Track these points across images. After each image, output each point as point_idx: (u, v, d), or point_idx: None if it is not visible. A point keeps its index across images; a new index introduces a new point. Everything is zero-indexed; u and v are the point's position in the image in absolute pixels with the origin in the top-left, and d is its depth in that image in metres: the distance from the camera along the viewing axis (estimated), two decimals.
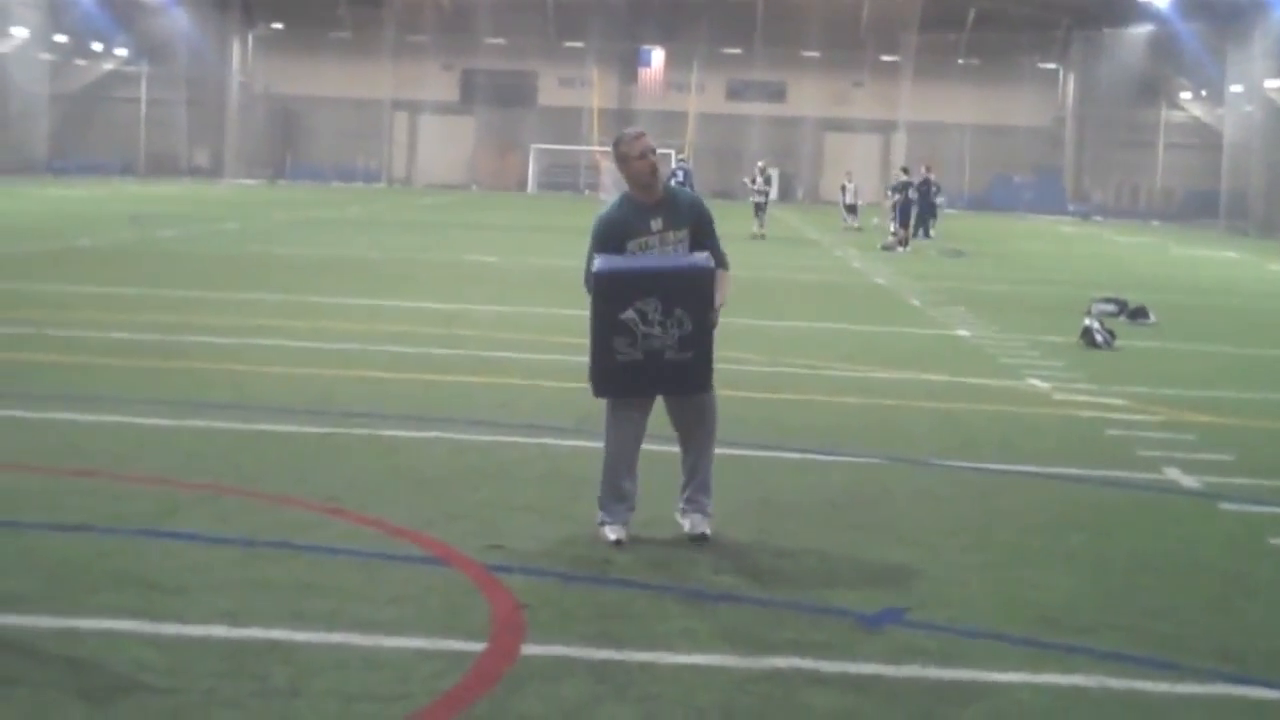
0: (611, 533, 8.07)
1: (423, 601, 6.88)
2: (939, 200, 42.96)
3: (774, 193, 50.21)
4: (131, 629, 6.31)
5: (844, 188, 51.99)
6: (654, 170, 8.12)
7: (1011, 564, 8.11)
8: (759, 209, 43.18)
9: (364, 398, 12.54)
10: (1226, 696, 6.22)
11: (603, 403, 8.31)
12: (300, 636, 6.31)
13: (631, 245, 8.08)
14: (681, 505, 8.28)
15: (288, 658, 6.05)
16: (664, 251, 8.10)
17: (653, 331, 7.90)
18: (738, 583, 7.48)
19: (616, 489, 8.17)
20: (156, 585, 6.93)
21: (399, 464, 9.93)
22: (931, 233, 41.86)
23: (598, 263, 7.93)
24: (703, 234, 8.19)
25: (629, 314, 7.88)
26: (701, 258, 8.08)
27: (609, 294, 7.92)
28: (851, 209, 50.68)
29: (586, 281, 8.08)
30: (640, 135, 8.20)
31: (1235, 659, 6.65)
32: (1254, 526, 9.24)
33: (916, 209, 41.40)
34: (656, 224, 8.09)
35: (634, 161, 8.12)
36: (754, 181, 44.13)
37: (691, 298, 7.94)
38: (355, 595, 6.92)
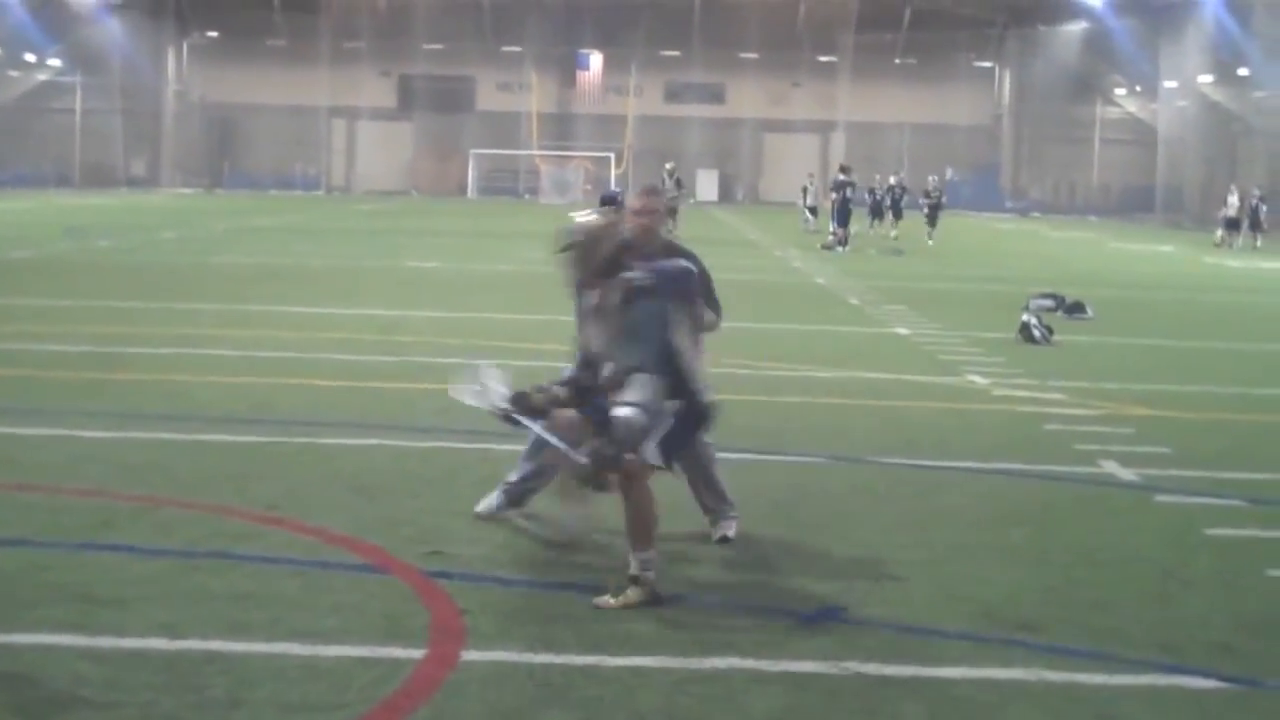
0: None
1: (362, 609, 6.85)
2: (905, 201, 44.95)
3: (690, 196, 49.28)
4: (69, 643, 6.26)
5: (805, 189, 51.54)
6: (645, 229, 8.05)
7: (951, 560, 8.15)
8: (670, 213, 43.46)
9: (303, 406, 12.49)
10: (1165, 687, 6.28)
11: None
12: (239, 647, 6.28)
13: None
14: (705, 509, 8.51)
15: (227, 669, 6.02)
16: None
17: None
18: (676, 584, 7.47)
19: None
20: (94, 598, 6.88)
21: (339, 472, 9.89)
22: (895, 231, 43.55)
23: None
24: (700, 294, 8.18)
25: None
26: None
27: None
28: (813, 210, 50.54)
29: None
30: (649, 193, 8.41)
31: (1173, 650, 6.71)
32: (1190, 518, 9.32)
33: (890, 210, 43.26)
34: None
35: (631, 215, 8.19)
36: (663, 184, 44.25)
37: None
38: (294, 604, 6.89)
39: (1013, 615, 7.14)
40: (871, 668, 6.31)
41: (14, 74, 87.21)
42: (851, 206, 40.42)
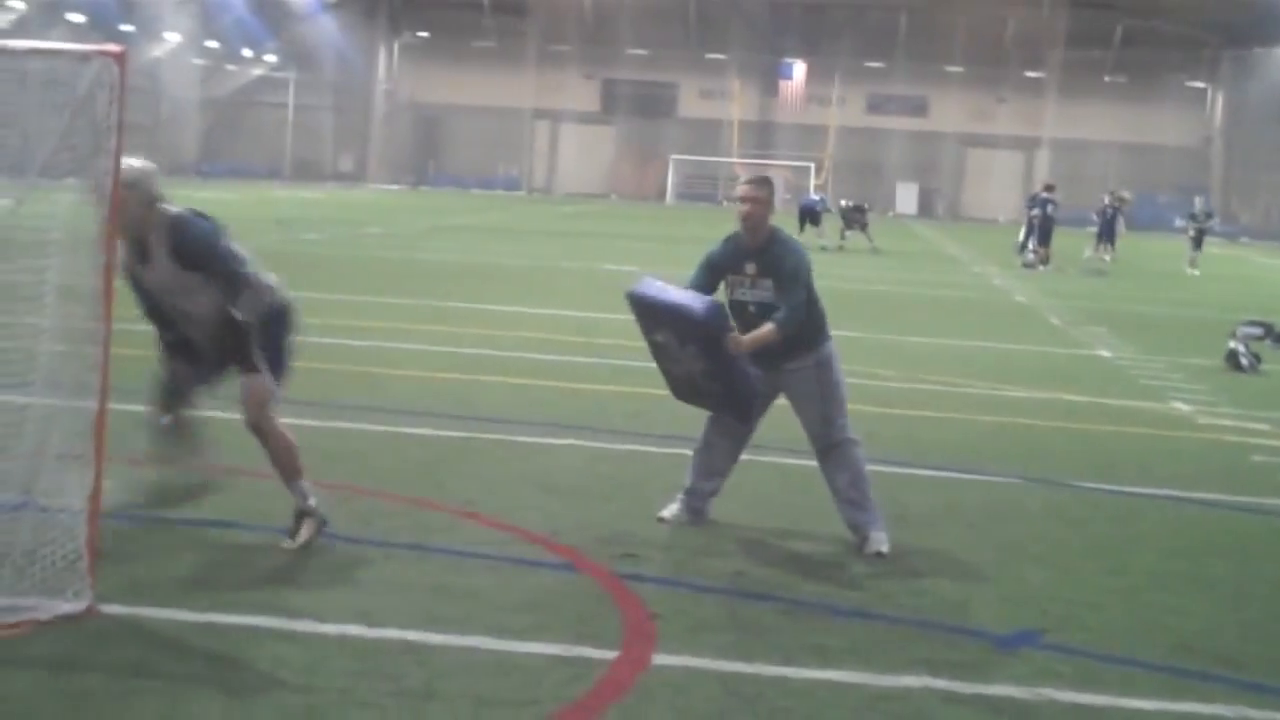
0: (665, 511, 8.63)
1: (555, 608, 6.91)
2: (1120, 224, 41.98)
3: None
4: (271, 625, 6.40)
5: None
6: (748, 216, 8.30)
7: (1150, 589, 7.98)
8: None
9: (499, 403, 12.63)
10: None
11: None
12: (435, 638, 6.36)
13: (727, 282, 8.43)
14: (849, 525, 8.43)
15: (422, 659, 6.11)
16: (755, 295, 8.31)
17: (676, 357, 8.31)
18: (871, 599, 7.43)
19: (696, 485, 8.69)
20: (295, 583, 7.04)
21: (532, 470, 9.99)
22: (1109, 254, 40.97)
23: (632, 286, 8.46)
24: (785, 283, 8.27)
25: (658, 338, 8.35)
26: (707, 304, 8.21)
27: (637, 317, 8.47)
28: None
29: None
30: (752, 182, 8.44)
31: None
32: None
33: (1097, 230, 40.82)
34: (751, 267, 8.33)
35: (740, 204, 8.40)
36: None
37: (697, 338, 8.14)
38: (488, 600, 6.97)
39: (1212, 649, 6.96)
40: (1067, 695, 6.19)
41: (231, 68, 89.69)
42: (1054, 225, 39.59)
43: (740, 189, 8.49)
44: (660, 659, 6.31)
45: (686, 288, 8.39)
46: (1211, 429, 13.69)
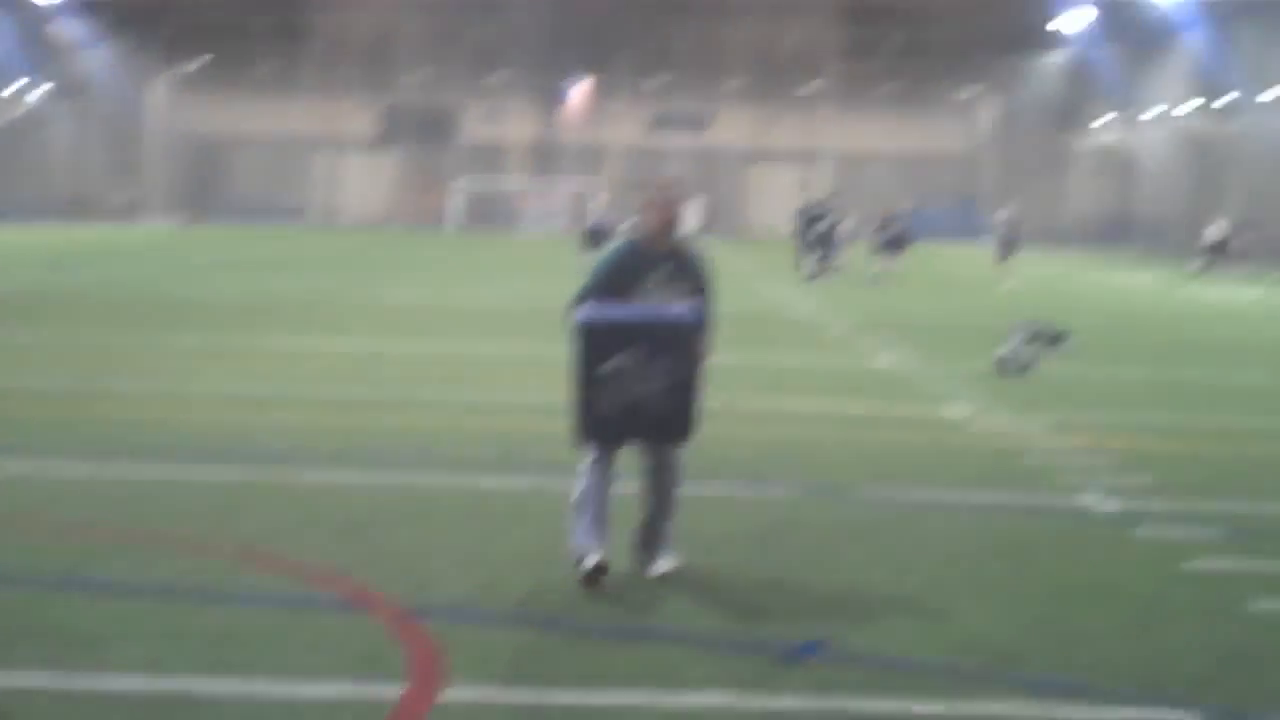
0: (591, 559, 7.97)
1: (341, 647, 6.83)
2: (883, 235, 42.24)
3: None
4: (45, 684, 6.22)
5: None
6: (667, 222, 8.06)
7: (932, 593, 8.15)
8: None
9: (283, 440, 12.44)
10: None
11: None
12: (219, 687, 6.25)
13: (633, 293, 8.05)
14: (640, 547, 8.30)
15: (204, 710, 5.99)
16: (663, 303, 8.06)
17: (636, 380, 7.86)
18: (658, 620, 7.48)
19: (590, 527, 8.10)
20: (72, 636, 6.86)
21: (318, 507, 9.86)
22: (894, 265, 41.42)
23: (581, 313, 7.85)
24: (700, 289, 8.18)
25: (613, 364, 7.84)
26: (685, 309, 8.04)
27: (593, 345, 7.86)
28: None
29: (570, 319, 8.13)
30: (667, 187, 8.20)
31: (1153, 683, 6.71)
32: (1171, 550, 9.33)
33: (879, 242, 41.23)
34: (657, 276, 8.05)
35: (651, 210, 8.11)
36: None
37: (675, 349, 7.92)
38: (273, 642, 6.87)
39: (993, 649, 7.14)
40: (854, 703, 6.30)
41: None
42: (836, 238, 40.33)
43: (657, 194, 8.14)
44: (450, 693, 6.28)
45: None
46: (987, 432, 14.05)
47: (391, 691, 6.25)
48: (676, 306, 8.05)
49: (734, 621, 7.50)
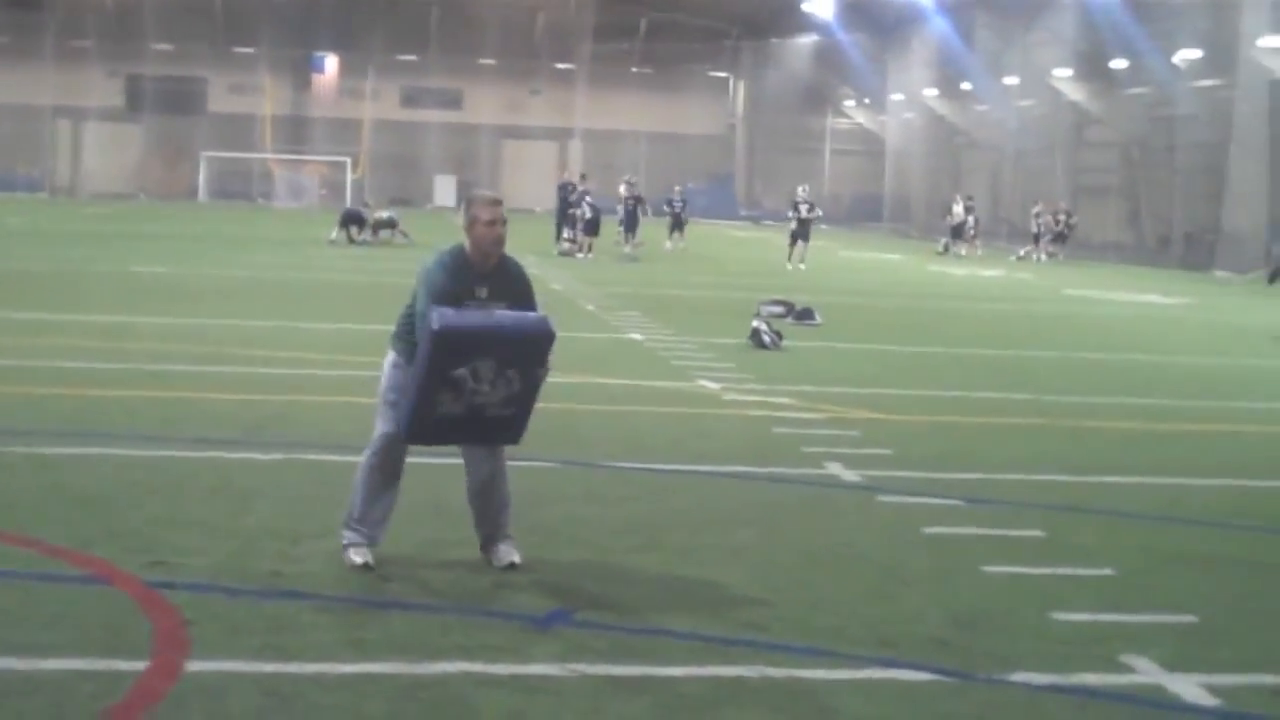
0: (358, 555, 7.84)
1: (82, 622, 6.69)
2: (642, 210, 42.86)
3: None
4: None
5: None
6: (499, 240, 7.83)
7: (681, 562, 8.28)
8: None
9: (22, 415, 12.08)
10: (881, 680, 6.48)
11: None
12: None
13: (461, 305, 7.77)
14: (484, 537, 8.13)
15: None
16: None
17: (481, 389, 7.63)
18: (408, 590, 7.47)
19: (371, 515, 7.96)
20: None
21: (59, 482, 9.61)
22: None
23: (437, 319, 7.51)
24: (525, 303, 8.01)
25: (461, 371, 7.58)
26: (540, 319, 7.89)
27: (446, 350, 7.55)
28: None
29: (404, 334, 7.89)
30: (497, 202, 7.91)
31: (890, 644, 6.92)
32: (910, 517, 9.62)
33: (620, 218, 41.72)
34: (483, 291, 7.82)
35: (481, 226, 7.80)
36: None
37: (526, 359, 7.75)
38: (10, 618, 6.69)
39: (738, 615, 7.29)
40: (600, 668, 6.38)
41: None
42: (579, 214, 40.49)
43: (487, 210, 7.80)
44: (194, 665, 6.19)
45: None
46: (737, 404, 14.29)
47: (134, 666, 6.14)
48: (534, 316, 7.90)
49: (483, 592, 7.53)
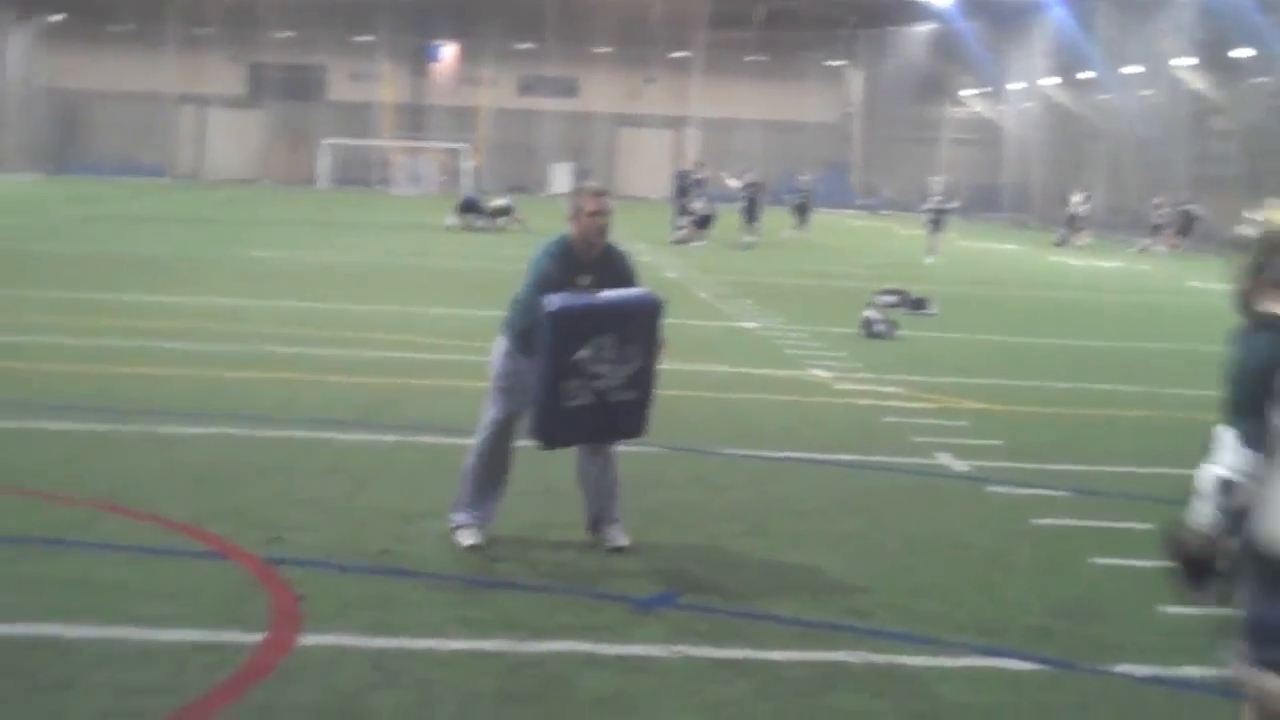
0: (467, 537, 8.01)
1: (200, 595, 6.87)
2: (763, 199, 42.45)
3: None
4: None
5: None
6: (603, 230, 7.96)
7: (786, 548, 8.33)
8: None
9: (143, 395, 12.37)
10: (983, 668, 6.50)
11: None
12: (73, 632, 6.26)
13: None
14: (591, 528, 8.23)
15: (60, 654, 6.01)
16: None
17: (603, 370, 7.72)
18: (518, 571, 7.59)
19: (482, 499, 8.13)
20: None
21: (178, 460, 9.85)
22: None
23: (552, 302, 7.65)
24: (629, 287, 8.10)
25: (584, 353, 7.67)
26: (643, 291, 8.03)
27: (564, 332, 7.66)
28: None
29: (514, 321, 8.02)
30: (601, 193, 8.08)
31: (992, 633, 6.94)
32: (1018, 508, 9.60)
33: (742, 207, 41.43)
34: (586, 279, 7.94)
35: (585, 217, 7.95)
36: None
37: (640, 332, 7.86)
38: (131, 591, 6.89)
39: (841, 601, 7.33)
40: (703, 651, 6.46)
41: None
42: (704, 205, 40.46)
43: (592, 201, 7.95)
44: (307, 639, 6.35)
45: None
46: (847, 393, 14.29)
47: (249, 638, 6.30)
48: (637, 289, 8.04)
49: (591, 573, 7.63)
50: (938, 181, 41.86)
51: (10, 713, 5.38)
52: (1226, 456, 4.34)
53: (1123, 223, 64.26)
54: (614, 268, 8.10)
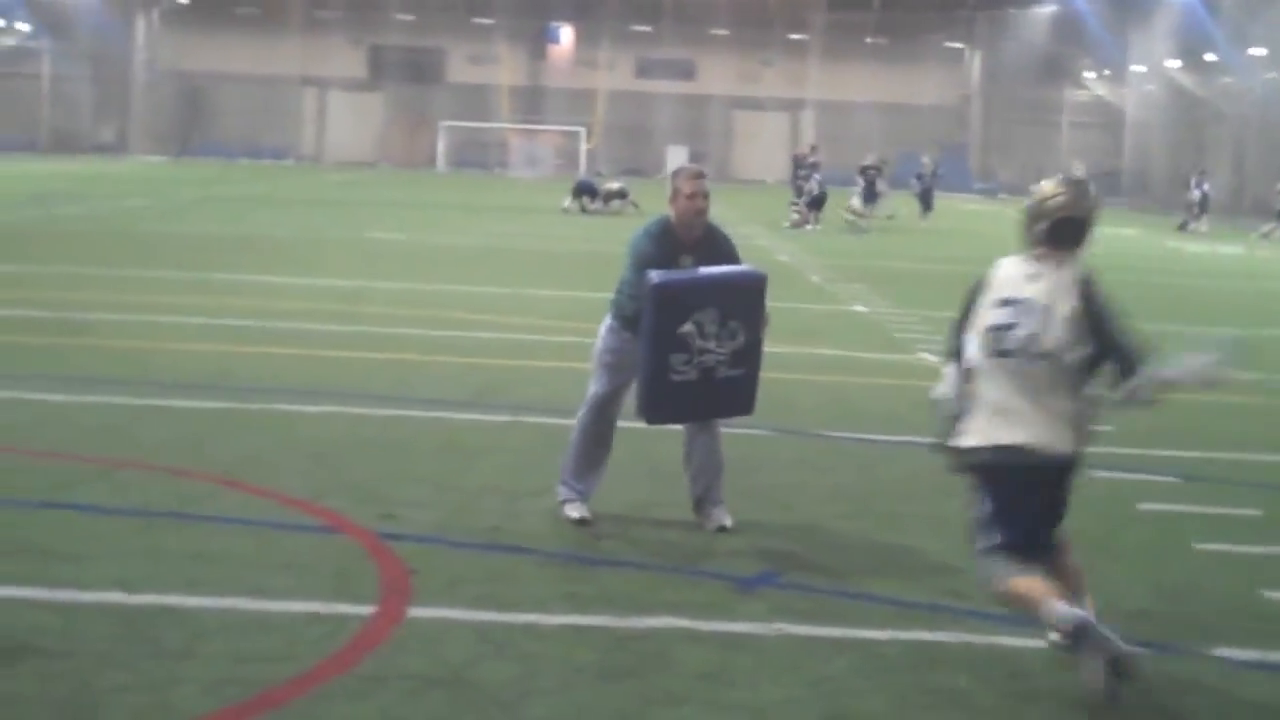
0: (574, 510, 8.20)
1: (314, 568, 7.09)
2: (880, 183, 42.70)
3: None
4: (28, 595, 6.48)
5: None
6: (700, 212, 8.07)
7: (887, 530, 8.42)
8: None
9: (262, 373, 12.68)
10: None
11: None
12: (192, 602, 6.50)
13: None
14: (696, 500, 8.36)
15: (181, 621, 6.25)
16: None
17: (709, 345, 7.78)
18: (621, 548, 7.75)
19: (584, 472, 8.32)
20: (53, 554, 7.10)
21: (296, 438, 10.11)
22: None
23: (655, 276, 7.75)
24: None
25: (688, 327, 7.73)
26: (747, 267, 8.17)
27: (667, 306, 7.72)
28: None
29: (623, 304, 8.16)
30: (699, 175, 8.19)
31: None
32: (1124, 493, 9.61)
33: (860, 190, 41.52)
34: (687, 261, 8.05)
35: (683, 199, 8.07)
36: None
37: (744, 307, 7.94)
38: (248, 562, 7.12)
39: (940, 582, 7.41)
40: (802, 629, 6.57)
41: None
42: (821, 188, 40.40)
43: (689, 184, 8.05)
44: (416, 611, 6.54)
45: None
46: None
47: (361, 610, 6.50)
48: (740, 266, 8.17)
49: (693, 551, 7.77)
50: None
51: (134, 678, 5.60)
52: None
53: (1245, 208, 63.26)
54: (717, 249, 8.21)
